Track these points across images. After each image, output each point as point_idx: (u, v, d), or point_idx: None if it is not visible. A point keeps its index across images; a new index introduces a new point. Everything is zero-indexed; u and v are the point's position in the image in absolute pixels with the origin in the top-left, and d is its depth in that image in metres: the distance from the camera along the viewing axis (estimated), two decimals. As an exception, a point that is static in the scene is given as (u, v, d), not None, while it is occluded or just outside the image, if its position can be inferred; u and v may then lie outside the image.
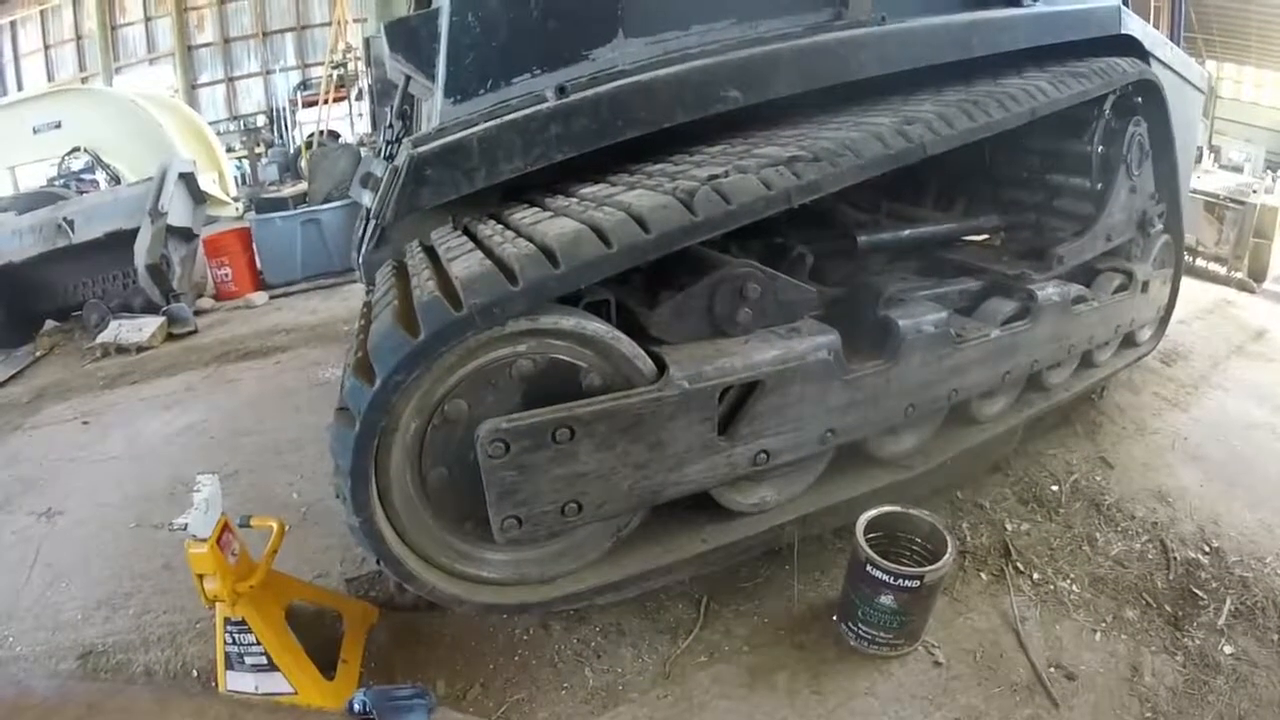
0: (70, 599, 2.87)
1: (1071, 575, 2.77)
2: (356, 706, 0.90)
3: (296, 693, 2.07)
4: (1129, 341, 3.77)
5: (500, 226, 2.13)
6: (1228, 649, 2.54)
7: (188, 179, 7.13)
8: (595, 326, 1.85)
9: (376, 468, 1.84)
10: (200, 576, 1.97)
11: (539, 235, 1.82)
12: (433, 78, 2.68)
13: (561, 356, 1.86)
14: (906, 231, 2.82)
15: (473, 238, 2.10)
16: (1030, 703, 2.29)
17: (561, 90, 2.29)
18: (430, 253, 2.20)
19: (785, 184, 1.93)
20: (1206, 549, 2.95)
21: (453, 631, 2.47)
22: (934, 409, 2.54)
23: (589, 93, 2.23)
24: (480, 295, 1.69)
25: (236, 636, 2.06)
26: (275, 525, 2.21)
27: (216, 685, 2.15)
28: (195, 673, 2.46)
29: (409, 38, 3.14)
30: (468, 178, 2.22)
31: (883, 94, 2.63)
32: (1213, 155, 10.18)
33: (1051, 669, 2.40)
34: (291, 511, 3.24)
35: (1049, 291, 2.86)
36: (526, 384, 1.85)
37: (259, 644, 2.04)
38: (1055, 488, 3.17)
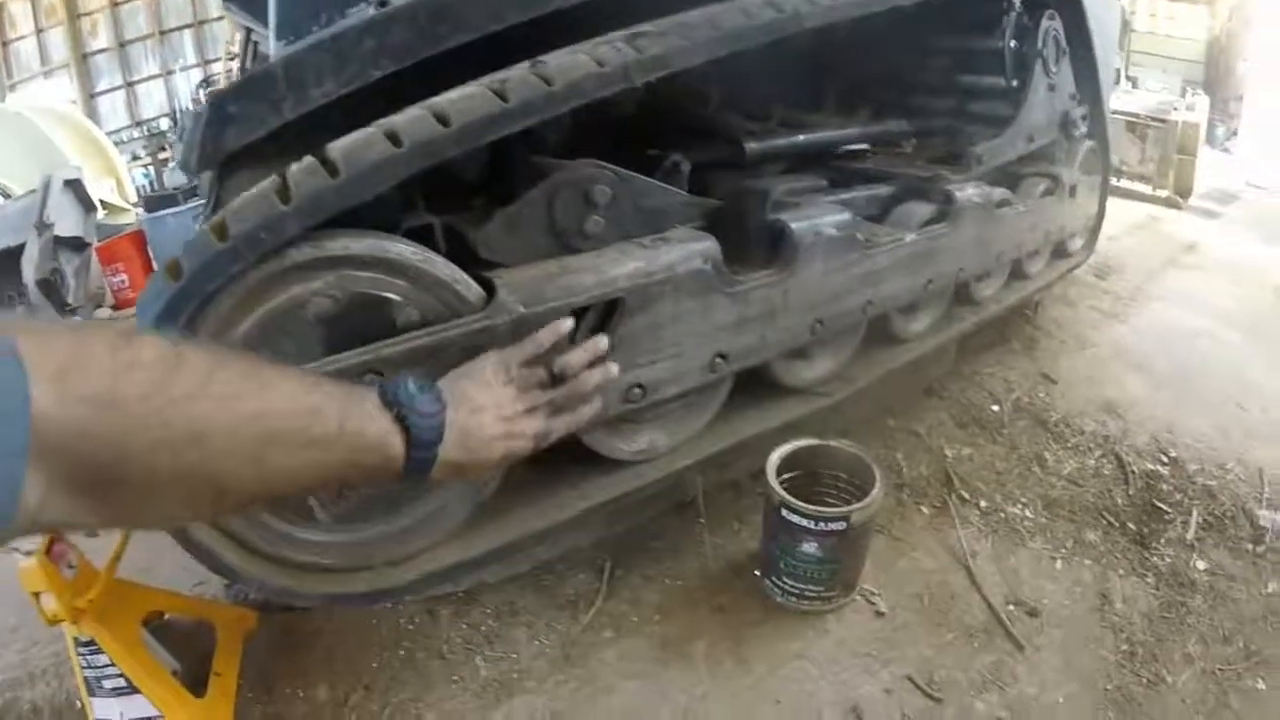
0: (-40, 641, 2.58)
1: (1023, 500, 2.51)
2: None
3: (163, 716, 1.79)
4: (1060, 252, 3.52)
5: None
6: (1201, 565, 2.32)
7: (74, 186, 6.66)
8: (399, 249, 1.50)
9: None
10: (36, 595, 1.69)
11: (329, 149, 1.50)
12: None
13: (367, 290, 1.49)
14: (802, 137, 2.48)
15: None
16: (991, 647, 2.01)
17: (383, 1, 1.97)
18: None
19: (622, 59, 1.60)
20: (1164, 459, 2.73)
21: (334, 629, 2.15)
22: (846, 325, 2.21)
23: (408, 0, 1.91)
24: (247, 221, 1.36)
25: (89, 659, 1.80)
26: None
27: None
28: (78, 704, 2.09)
29: (240, -17, 2.80)
30: (274, 108, 1.87)
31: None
32: (1130, 84, 10.16)
33: (1011, 606, 2.13)
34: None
35: (969, 193, 2.58)
36: (328, 327, 1.49)
37: (114, 665, 1.78)
38: (996, 408, 2.89)
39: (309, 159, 1.47)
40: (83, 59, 18.61)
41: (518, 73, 1.56)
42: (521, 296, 1.55)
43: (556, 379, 1.16)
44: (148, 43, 18.73)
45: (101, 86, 18.78)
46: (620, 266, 1.67)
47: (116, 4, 18.65)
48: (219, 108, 1.86)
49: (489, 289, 1.56)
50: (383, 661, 2.05)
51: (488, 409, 1.04)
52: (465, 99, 1.51)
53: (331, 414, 0.81)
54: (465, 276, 1.55)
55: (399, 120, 1.49)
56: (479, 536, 1.78)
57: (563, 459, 1.85)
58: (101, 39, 18.66)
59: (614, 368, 1.25)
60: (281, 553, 1.68)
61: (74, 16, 18.30)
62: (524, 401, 1.10)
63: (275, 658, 2.12)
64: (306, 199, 1.39)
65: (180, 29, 18.58)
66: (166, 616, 2.04)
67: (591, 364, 1.24)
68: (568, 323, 1.27)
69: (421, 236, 1.65)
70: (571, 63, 1.57)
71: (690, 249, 1.77)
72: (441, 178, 1.66)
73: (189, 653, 1.98)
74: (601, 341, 1.25)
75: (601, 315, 1.69)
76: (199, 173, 2.13)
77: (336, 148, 1.46)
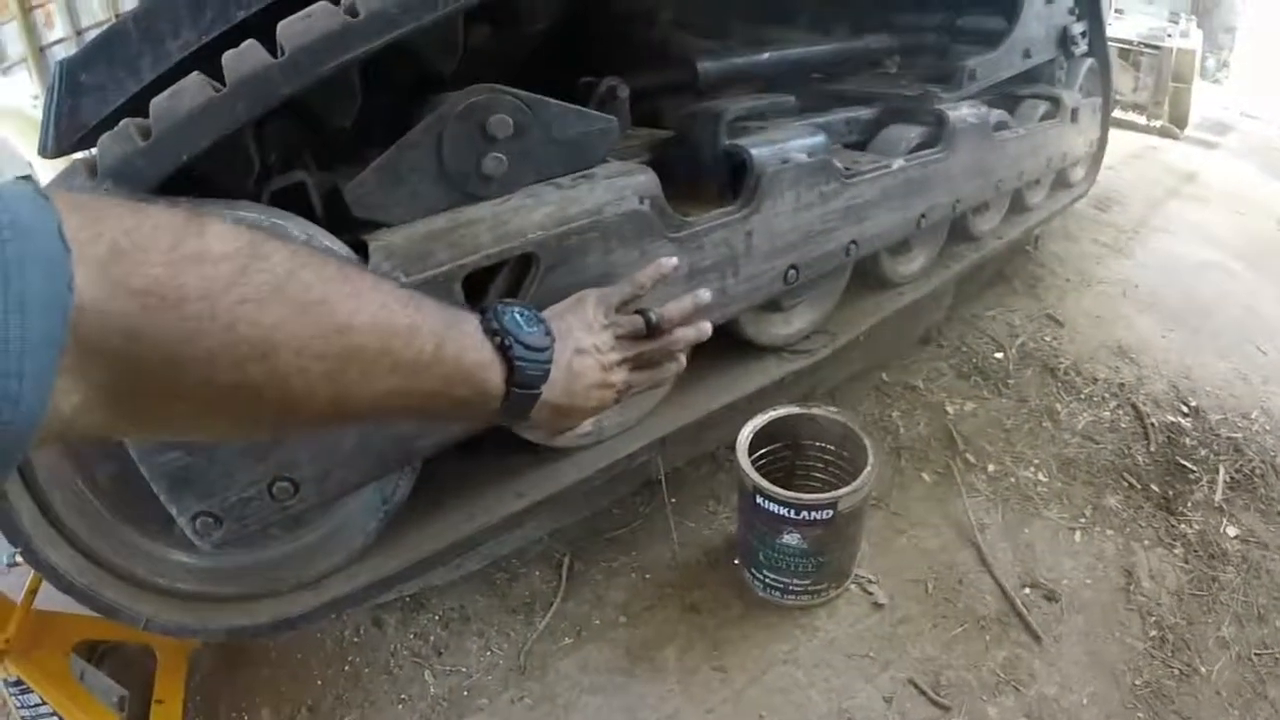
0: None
1: (1035, 461, 2.23)
2: None
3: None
4: (1062, 182, 3.23)
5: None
6: (1231, 530, 2.07)
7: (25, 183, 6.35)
8: (241, 215, 1.17)
9: (23, 476, 1.25)
10: (-50, 636, 1.52)
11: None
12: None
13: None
14: (766, 55, 2.13)
15: None
16: (1005, 640, 1.73)
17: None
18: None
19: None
20: (1185, 409, 2.46)
21: (278, 646, 1.94)
22: (827, 269, 1.88)
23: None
24: None
25: (21, 699, 1.64)
26: None
27: None
28: (17, 748, 1.91)
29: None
30: (131, 71, 1.52)
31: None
32: (1118, 15, 9.88)
33: (1026, 590, 1.85)
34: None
35: (963, 112, 2.25)
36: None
37: (45, 703, 1.62)
38: (999, 355, 2.60)
39: (124, 122, 1.15)
40: (39, 52, 17.71)
41: None
42: (400, 261, 1.21)
43: (651, 329, 1.02)
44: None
45: (64, 78, 18.11)
46: (528, 215, 1.32)
47: (68, -9, 17.79)
48: (71, 77, 1.52)
49: (366, 255, 1.23)
50: (327, 679, 1.83)
51: (590, 352, 0.93)
52: (303, 20, 1.16)
53: (427, 336, 0.68)
54: (331, 243, 1.21)
55: (226, 57, 1.16)
56: (398, 550, 1.48)
57: (491, 449, 1.54)
58: (58, 30, 17.71)
59: (707, 326, 1.09)
60: (179, 585, 1.40)
61: (26, 10, 17.53)
62: (619, 350, 0.98)
63: (219, 678, 1.90)
64: (112, 169, 1.08)
65: (138, 9, 17.86)
66: (113, 641, 1.86)
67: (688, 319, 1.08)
68: (672, 261, 1.13)
69: (294, 199, 1.32)
70: (440, -40, 1.22)
71: (620, 185, 1.42)
72: (317, 128, 1.33)
73: (138, 678, 1.79)
74: (704, 294, 1.10)
75: (515, 277, 1.36)
76: (58, 157, 1.77)
77: (155, 103, 1.15)
